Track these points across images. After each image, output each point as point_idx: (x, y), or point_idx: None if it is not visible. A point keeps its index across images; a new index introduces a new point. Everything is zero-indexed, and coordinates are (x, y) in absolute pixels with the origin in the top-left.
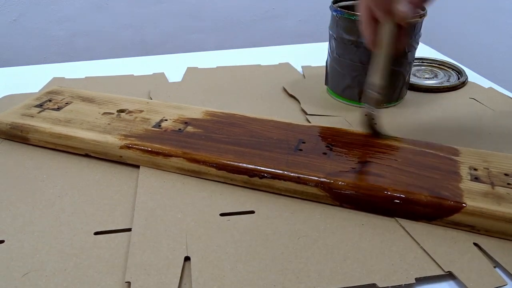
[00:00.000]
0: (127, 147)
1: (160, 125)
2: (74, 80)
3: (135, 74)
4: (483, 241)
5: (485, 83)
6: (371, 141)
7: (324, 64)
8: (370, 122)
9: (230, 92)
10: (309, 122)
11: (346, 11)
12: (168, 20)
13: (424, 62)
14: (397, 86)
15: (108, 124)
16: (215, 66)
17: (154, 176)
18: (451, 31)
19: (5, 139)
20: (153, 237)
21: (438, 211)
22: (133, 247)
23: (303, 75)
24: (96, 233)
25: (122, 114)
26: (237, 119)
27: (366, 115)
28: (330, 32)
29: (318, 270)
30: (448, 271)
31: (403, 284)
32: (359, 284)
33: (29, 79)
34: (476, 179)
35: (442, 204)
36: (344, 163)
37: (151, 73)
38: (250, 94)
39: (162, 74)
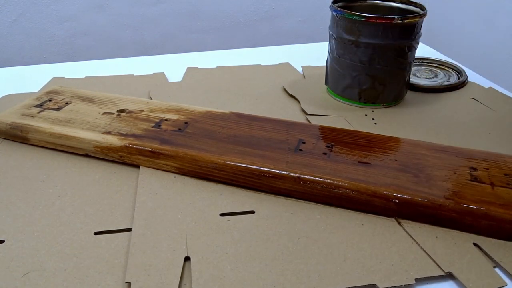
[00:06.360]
0: (127, 147)
1: (160, 125)
2: (74, 80)
3: (135, 74)
4: (483, 241)
5: (485, 83)
6: (371, 141)
7: (324, 64)
8: None
9: (230, 92)
10: (309, 122)
11: (346, 11)
12: (167, 20)
13: (424, 62)
14: (397, 86)
15: (108, 124)
16: (215, 66)
17: (154, 176)
18: (451, 31)
19: (5, 139)
20: (153, 237)
21: (437, 212)
22: (133, 247)
23: (303, 75)
24: (96, 233)
25: (122, 114)
26: (237, 119)
27: None
28: (330, 32)
29: (318, 271)
30: (448, 272)
31: (403, 284)
32: (359, 285)
33: (29, 79)
34: (476, 179)
35: (441, 204)
36: (344, 163)
37: (151, 73)
38: (250, 94)
39: (162, 74)
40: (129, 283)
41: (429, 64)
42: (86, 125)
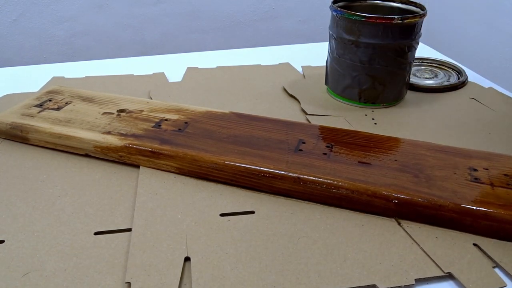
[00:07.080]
0: (127, 147)
1: (160, 125)
2: (74, 80)
3: (135, 74)
4: (483, 241)
5: (485, 83)
6: (371, 142)
7: (324, 64)
8: None
9: (230, 92)
10: (309, 122)
11: (346, 11)
12: (167, 20)
13: (424, 62)
14: (397, 86)
15: (108, 124)
16: (215, 66)
17: (154, 176)
18: (451, 31)
19: (5, 139)
20: (153, 237)
21: (437, 212)
22: (133, 247)
23: (303, 75)
24: (96, 233)
25: (122, 114)
26: (237, 119)
27: None
28: (330, 32)
29: (318, 271)
30: (447, 272)
31: (403, 285)
32: (359, 285)
33: (29, 79)
34: (476, 179)
35: (441, 205)
36: (344, 163)
37: (151, 73)
38: (250, 94)
39: (162, 74)
40: (129, 283)
41: (429, 64)
42: (86, 125)
